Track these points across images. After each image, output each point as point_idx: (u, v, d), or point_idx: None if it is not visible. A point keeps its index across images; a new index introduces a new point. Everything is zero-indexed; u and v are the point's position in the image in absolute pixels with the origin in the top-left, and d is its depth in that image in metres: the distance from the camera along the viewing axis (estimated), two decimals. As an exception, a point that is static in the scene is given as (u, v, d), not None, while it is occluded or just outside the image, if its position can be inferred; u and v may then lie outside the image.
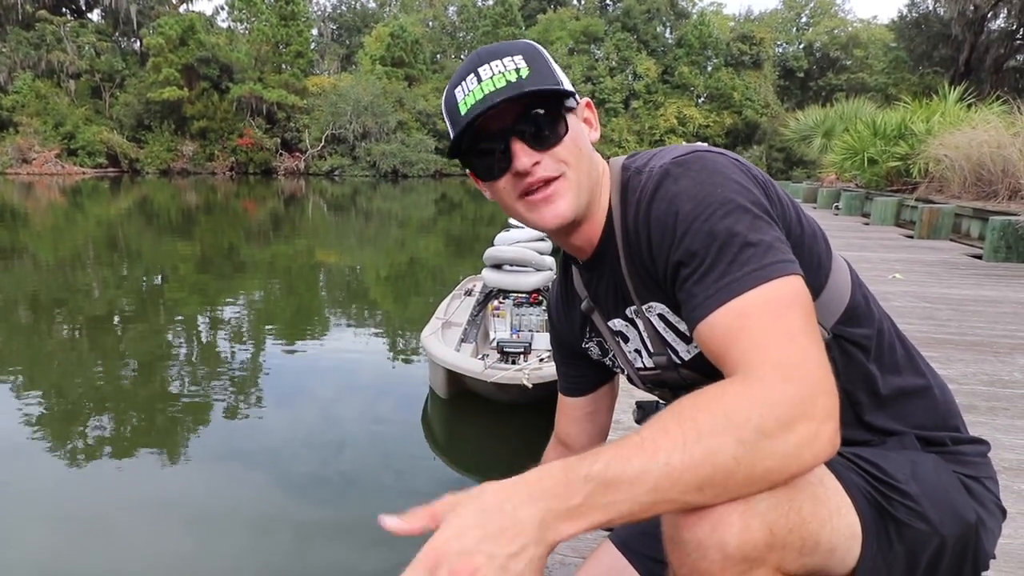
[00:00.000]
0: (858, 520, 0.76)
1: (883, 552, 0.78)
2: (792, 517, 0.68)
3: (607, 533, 1.15)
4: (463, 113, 0.84)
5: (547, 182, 0.85)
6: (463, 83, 0.85)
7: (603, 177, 0.91)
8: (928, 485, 0.82)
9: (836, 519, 0.73)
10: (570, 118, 0.86)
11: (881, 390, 0.88)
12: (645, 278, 0.86)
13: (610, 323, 0.98)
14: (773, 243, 0.74)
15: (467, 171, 0.91)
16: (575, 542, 1.49)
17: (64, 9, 41.92)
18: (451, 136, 0.87)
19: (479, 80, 0.83)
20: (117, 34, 42.40)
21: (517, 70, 0.83)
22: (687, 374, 0.91)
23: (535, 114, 0.83)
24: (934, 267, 5.72)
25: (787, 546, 0.68)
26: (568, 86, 0.87)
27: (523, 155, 0.83)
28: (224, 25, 45.41)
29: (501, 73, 0.83)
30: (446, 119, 0.89)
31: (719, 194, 0.76)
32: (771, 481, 0.65)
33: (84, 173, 35.60)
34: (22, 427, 4.06)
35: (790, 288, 0.72)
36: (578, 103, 0.89)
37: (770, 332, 0.69)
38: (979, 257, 6.42)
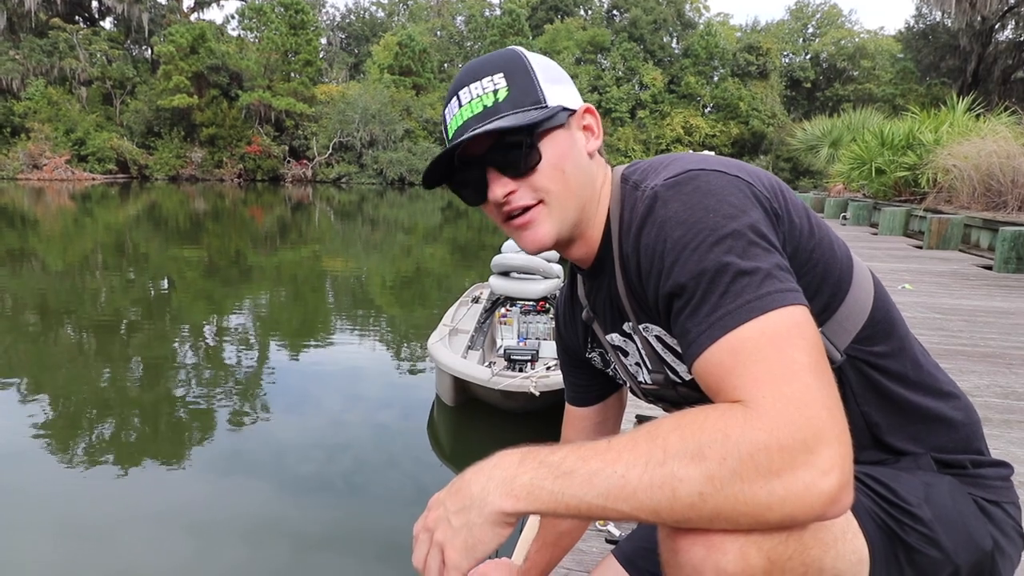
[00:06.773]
0: (866, 545, 0.72)
1: None
2: (792, 544, 0.63)
3: (612, 547, 1.13)
4: (449, 139, 0.82)
5: (526, 208, 0.82)
6: (449, 106, 0.84)
7: (603, 187, 0.87)
8: (942, 509, 0.79)
9: (841, 544, 0.69)
10: (554, 137, 0.81)
11: (900, 411, 0.84)
12: (641, 300, 0.82)
13: (608, 337, 0.95)
14: (771, 271, 0.67)
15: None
16: (579, 556, 1.47)
17: (77, 17, 42.53)
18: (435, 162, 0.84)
19: (459, 104, 0.82)
20: (129, 42, 42.95)
21: (495, 92, 0.80)
22: (686, 392, 0.87)
23: (507, 144, 0.79)
24: (944, 278, 5.67)
25: (788, 572, 0.64)
26: (560, 97, 0.82)
27: (496, 185, 0.81)
28: (234, 34, 45.95)
29: (479, 97, 0.80)
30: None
31: (710, 219, 0.70)
32: (746, 526, 0.60)
33: (94, 179, 35.91)
34: (27, 433, 4.06)
35: (791, 320, 0.65)
36: (573, 112, 0.84)
37: (769, 367, 0.62)
38: (989, 268, 6.37)
